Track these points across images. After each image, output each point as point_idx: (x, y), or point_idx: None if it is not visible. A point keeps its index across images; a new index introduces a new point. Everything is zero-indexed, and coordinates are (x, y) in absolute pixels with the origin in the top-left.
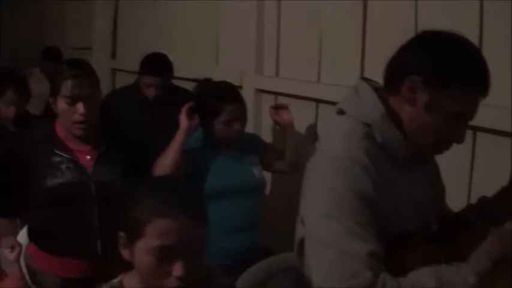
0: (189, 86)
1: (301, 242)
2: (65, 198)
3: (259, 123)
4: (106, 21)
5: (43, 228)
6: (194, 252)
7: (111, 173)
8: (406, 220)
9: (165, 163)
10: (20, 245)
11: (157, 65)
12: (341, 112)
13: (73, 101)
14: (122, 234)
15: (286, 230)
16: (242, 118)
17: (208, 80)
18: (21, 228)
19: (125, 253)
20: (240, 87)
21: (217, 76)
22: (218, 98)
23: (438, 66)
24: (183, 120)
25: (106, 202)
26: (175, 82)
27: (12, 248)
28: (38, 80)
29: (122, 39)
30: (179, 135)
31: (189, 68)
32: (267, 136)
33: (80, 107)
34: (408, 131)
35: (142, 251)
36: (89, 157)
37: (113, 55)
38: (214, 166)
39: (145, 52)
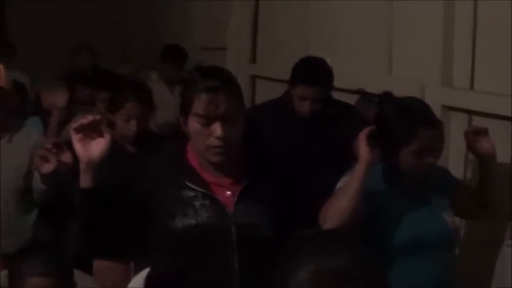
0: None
1: None
2: (197, 243)
3: (447, 151)
4: (244, 16)
5: (167, 279)
6: None
7: (258, 213)
8: None
9: (340, 205)
10: None
11: (315, 72)
12: None
13: (208, 120)
14: None
15: None
16: (437, 148)
17: (388, 95)
18: (134, 274)
19: None
20: None
21: (391, 89)
22: (408, 120)
23: None
24: (364, 150)
25: (250, 250)
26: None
27: None
28: (156, 88)
29: (264, 39)
30: (359, 170)
31: (351, 77)
32: (456, 169)
33: (217, 128)
34: None
35: None
36: (229, 192)
37: (253, 58)
38: (400, 212)
39: (294, 56)
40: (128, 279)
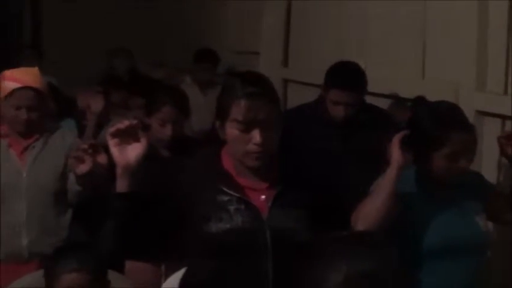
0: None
1: None
2: (231, 248)
3: (480, 156)
4: (276, 20)
5: (201, 282)
6: None
7: (292, 218)
8: None
9: (372, 208)
10: None
11: (349, 76)
12: None
13: (247, 126)
14: None
15: None
16: (470, 152)
17: (421, 99)
18: (165, 278)
19: None
20: None
21: (424, 93)
22: (441, 124)
23: None
24: (396, 154)
25: (284, 255)
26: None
27: None
28: (190, 91)
29: (297, 43)
30: (391, 174)
31: (384, 81)
32: (489, 174)
33: (256, 134)
34: None
35: None
36: (263, 197)
37: (285, 62)
38: (433, 216)
39: (326, 60)
40: (157, 282)
